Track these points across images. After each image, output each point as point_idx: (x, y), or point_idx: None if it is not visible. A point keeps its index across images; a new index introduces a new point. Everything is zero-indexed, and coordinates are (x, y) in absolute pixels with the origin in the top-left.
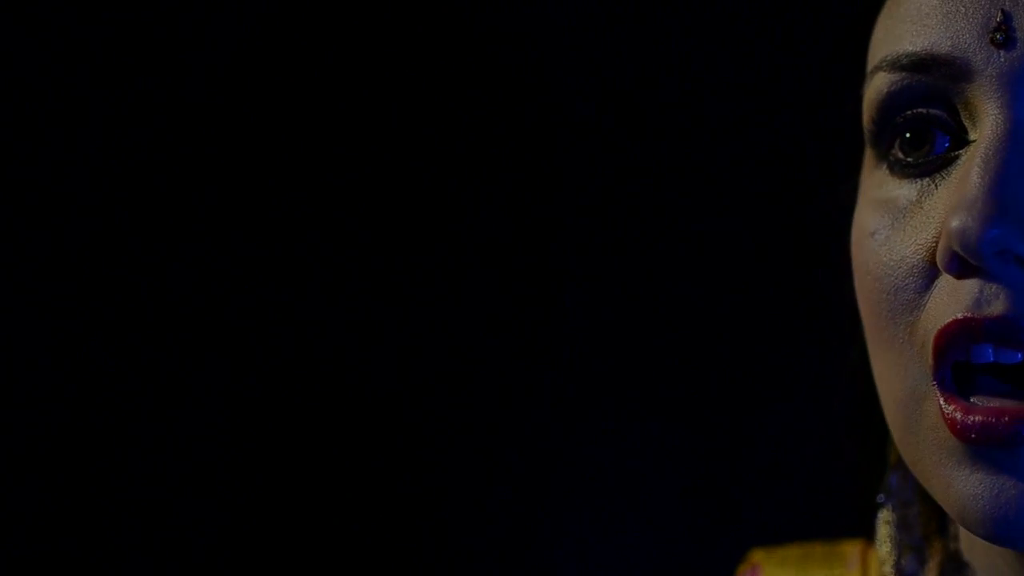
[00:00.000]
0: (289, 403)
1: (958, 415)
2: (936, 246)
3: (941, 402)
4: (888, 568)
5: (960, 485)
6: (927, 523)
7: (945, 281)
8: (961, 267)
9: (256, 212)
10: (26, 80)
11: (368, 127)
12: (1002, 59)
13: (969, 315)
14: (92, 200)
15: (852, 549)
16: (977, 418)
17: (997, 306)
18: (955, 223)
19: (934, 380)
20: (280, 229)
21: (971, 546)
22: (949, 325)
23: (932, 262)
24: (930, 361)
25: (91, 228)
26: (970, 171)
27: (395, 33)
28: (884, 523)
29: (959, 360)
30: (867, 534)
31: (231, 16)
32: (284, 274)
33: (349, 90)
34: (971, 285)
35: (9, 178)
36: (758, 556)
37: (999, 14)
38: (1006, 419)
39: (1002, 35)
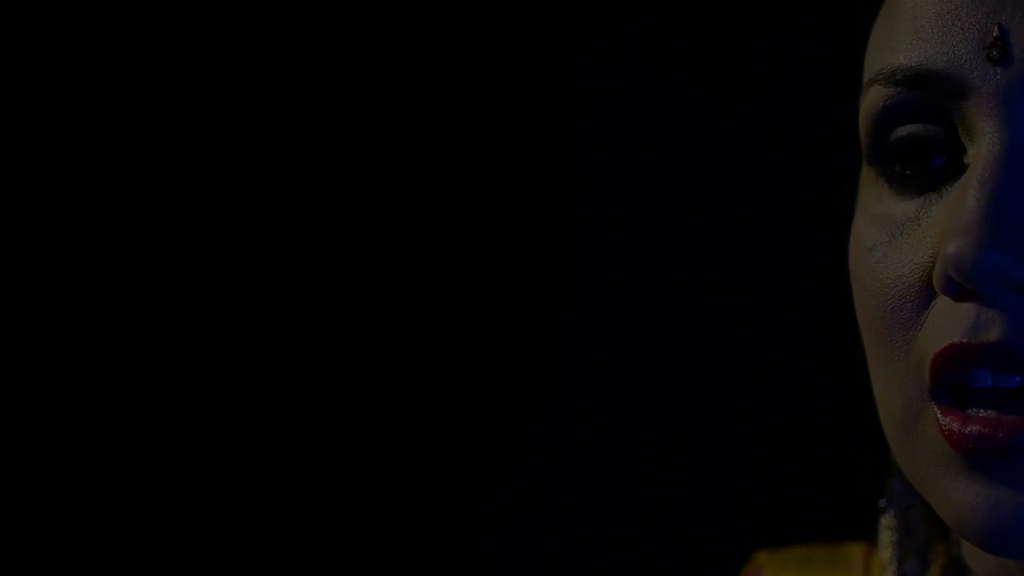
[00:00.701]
0: (287, 403)
1: (955, 426)
2: (933, 266)
3: (938, 415)
4: (890, 574)
5: (957, 496)
6: (929, 528)
7: (943, 302)
8: (958, 291)
9: (256, 211)
10: (25, 79)
11: (365, 126)
12: (999, 76)
13: (966, 340)
14: (90, 200)
15: (855, 552)
16: (974, 428)
17: (994, 332)
18: (950, 249)
19: (931, 398)
20: (278, 227)
21: (973, 551)
22: (946, 350)
23: (929, 282)
24: (927, 380)
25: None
26: (966, 193)
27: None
28: (886, 528)
29: (957, 382)
30: (870, 537)
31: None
32: (282, 273)
33: (345, 88)
34: (968, 309)
35: (9, 178)
36: (762, 558)
37: (995, 29)
38: (1003, 430)
39: (998, 51)
